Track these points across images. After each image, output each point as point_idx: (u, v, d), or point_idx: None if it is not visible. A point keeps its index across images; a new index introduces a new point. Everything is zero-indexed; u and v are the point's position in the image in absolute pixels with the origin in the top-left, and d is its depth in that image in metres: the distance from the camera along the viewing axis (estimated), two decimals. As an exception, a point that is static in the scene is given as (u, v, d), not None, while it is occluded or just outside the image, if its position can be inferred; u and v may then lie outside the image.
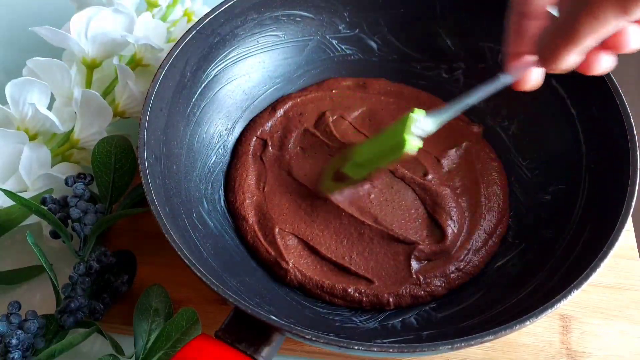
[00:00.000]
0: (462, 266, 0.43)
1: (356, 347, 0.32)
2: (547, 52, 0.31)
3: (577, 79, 0.45)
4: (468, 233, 0.45)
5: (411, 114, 0.39)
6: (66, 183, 0.45)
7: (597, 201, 0.41)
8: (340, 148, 0.49)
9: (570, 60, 0.31)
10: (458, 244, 0.44)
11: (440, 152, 0.50)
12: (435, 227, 0.45)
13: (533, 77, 0.36)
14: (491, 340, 0.33)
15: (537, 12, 0.34)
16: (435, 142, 0.50)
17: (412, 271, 0.43)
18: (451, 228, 0.45)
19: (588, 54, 0.31)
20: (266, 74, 0.52)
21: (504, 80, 0.36)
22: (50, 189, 0.46)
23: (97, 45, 0.49)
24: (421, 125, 0.38)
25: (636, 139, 0.40)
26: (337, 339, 0.32)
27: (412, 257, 0.43)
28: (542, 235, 0.44)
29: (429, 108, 0.52)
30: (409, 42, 0.53)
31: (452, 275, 0.43)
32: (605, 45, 0.31)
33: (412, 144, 0.38)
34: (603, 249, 0.35)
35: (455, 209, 0.46)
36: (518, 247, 0.44)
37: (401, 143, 0.38)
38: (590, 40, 0.29)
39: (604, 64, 0.33)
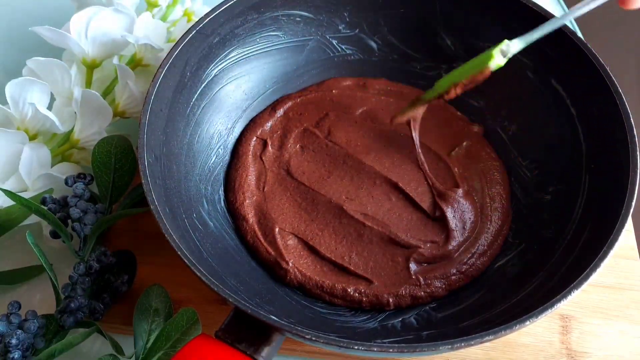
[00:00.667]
0: (464, 269, 0.43)
1: (356, 347, 0.32)
2: None
3: (577, 79, 0.45)
4: (475, 237, 0.45)
5: (505, 40, 0.41)
6: (66, 183, 0.45)
7: (597, 201, 0.41)
8: (340, 149, 0.49)
9: None
10: (462, 248, 0.44)
11: (441, 152, 0.50)
12: (439, 230, 0.45)
13: None
14: (491, 340, 0.33)
15: None
16: (435, 142, 0.50)
17: (412, 272, 0.43)
18: (456, 232, 0.45)
19: None
20: (266, 74, 0.52)
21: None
22: (50, 189, 0.46)
23: (97, 45, 0.49)
24: (509, 45, 0.40)
25: (636, 139, 0.40)
26: (337, 339, 0.32)
27: (411, 259, 0.43)
28: (542, 235, 0.44)
29: (429, 108, 0.52)
30: (409, 42, 0.53)
31: (453, 277, 0.43)
32: None
33: (497, 59, 0.40)
34: (603, 249, 0.35)
35: (460, 212, 0.46)
36: (518, 247, 0.44)
37: (487, 57, 0.40)
38: None
39: None
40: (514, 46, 0.41)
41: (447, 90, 0.44)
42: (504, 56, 0.41)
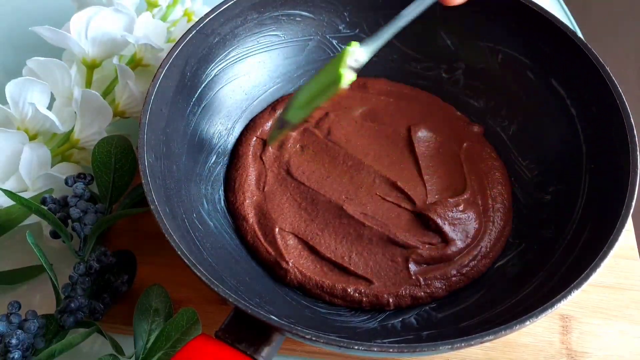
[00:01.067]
0: (465, 270, 0.43)
1: (356, 347, 0.32)
2: None
3: (577, 79, 0.45)
4: (478, 239, 0.45)
5: (347, 47, 0.38)
6: (66, 183, 0.45)
7: (597, 201, 0.41)
8: (339, 149, 0.49)
9: None
10: (464, 252, 0.44)
11: (442, 152, 0.50)
12: (437, 233, 0.45)
13: None
14: (491, 340, 0.33)
15: None
16: (435, 143, 0.50)
17: (411, 273, 0.43)
18: (456, 241, 0.44)
19: None
20: (266, 74, 0.52)
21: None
22: (50, 189, 0.46)
23: (97, 45, 0.49)
24: (356, 56, 0.38)
25: (636, 139, 0.40)
26: (337, 339, 0.32)
27: (410, 259, 0.43)
28: (542, 235, 0.44)
29: (429, 108, 0.52)
30: (409, 42, 0.53)
31: (453, 278, 0.43)
32: None
33: (347, 78, 0.38)
34: (603, 249, 0.35)
35: (459, 221, 0.45)
36: (518, 247, 0.44)
37: (337, 78, 0.38)
38: None
39: None
40: (361, 57, 0.38)
41: (309, 115, 0.44)
42: (355, 71, 0.38)
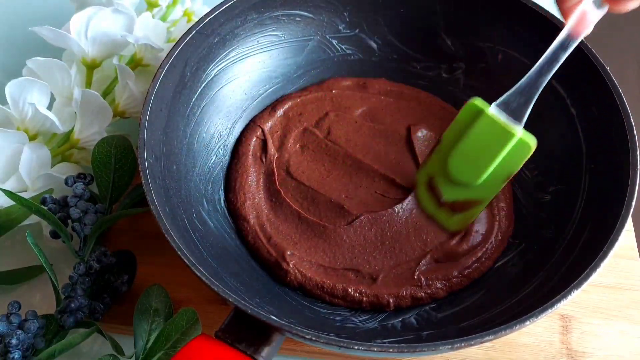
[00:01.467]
0: (466, 272, 0.43)
1: (356, 347, 0.32)
2: None
3: (577, 79, 0.45)
4: (483, 240, 0.45)
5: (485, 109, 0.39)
6: (66, 183, 0.45)
7: (597, 201, 0.41)
8: (339, 148, 0.49)
9: None
10: (467, 251, 0.44)
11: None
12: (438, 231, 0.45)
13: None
14: (491, 340, 0.33)
15: None
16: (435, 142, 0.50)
17: (413, 273, 0.43)
18: (464, 244, 0.44)
19: None
20: (266, 74, 0.52)
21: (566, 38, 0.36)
22: (50, 189, 0.46)
23: (97, 45, 0.49)
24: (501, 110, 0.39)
25: (636, 139, 0.40)
26: (337, 339, 0.32)
27: (425, 258, 0.43)
28: (542, 235, 0.44)
29: (429, 108, 0.52)
30: (409, 42, 0.53)
31: (454, 279, 0.43)
32: None
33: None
34: (603, 249, 0.35)
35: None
36: (518, 247, 0.44)
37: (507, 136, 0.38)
38: None
39: None
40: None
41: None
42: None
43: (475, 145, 0.40)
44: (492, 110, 0.39)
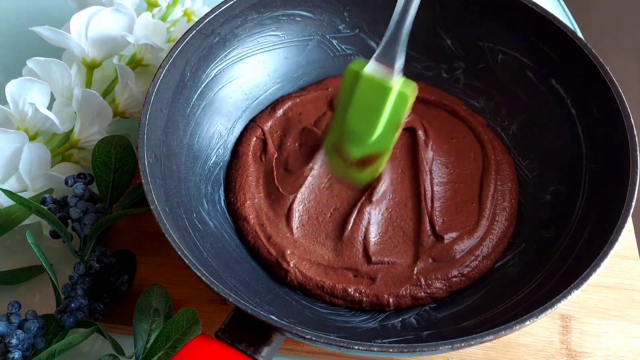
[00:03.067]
0: (466, 271, 0.43)
1: (356, 347, 0.32)
2: None
3: (577, 79, 0.45)
4: (480, 239, 0.44)
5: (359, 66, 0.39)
6: (66, 183, 0.45)
7: (597, 201, 0.41)
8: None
9: None
10: (465, 251, 0.44)
11: (450, 138, 0.50)
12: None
13: None
14: (491, 340, 0.33)
15: None
16: (442, 131, 0.50)
17: (413, 272, 0.43)
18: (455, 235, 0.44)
19: None
20: (266, 74, 0.52)
21: None
22: (50, 189, 0.46)
23: (97, 45, 0.49)
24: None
25: (636, 139, 0.40)
26: (337, 339, 0.32)
27: (419, 257, 0.43)
28: (542, 235, 0.44)
29: (427, 108, 0.52)
30: (409, 42, 0.53)
31: (454, 279, 0.43)
32: None
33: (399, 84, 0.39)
34: (603, 249, 0.35)
35: (463, 211, 0.45)
36: (518, 247, 0.44)
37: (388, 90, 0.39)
38: None
39: None
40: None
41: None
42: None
43: (362, 104, 0.42)
44: (369, 68, 0.40)
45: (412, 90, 0.41)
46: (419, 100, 0.52)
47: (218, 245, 0.43)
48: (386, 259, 0.43)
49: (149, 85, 0.42)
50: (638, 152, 0.39)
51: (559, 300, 0.33)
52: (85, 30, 0.48)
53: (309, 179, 0.47)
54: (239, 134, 0.51)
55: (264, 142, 0.50)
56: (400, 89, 0.40)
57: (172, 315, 0.41)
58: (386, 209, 0.46)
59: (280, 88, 0.53)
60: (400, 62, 0.40)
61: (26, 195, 0.45)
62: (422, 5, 0.52)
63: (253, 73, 0.51)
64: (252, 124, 0.51)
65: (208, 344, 0.32)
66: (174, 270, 0.45)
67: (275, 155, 0.49)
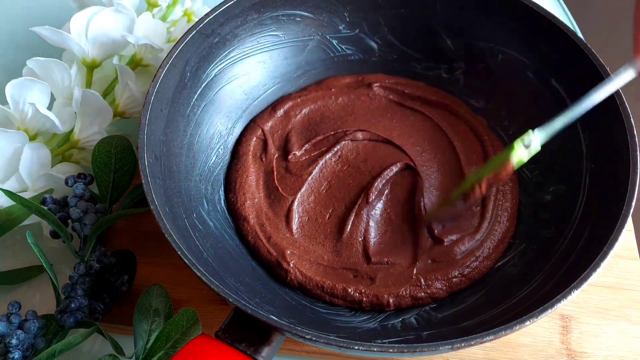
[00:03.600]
0: (466, 272, 0.43)
1: (356, 347, 0.32)
2: None
3: (577, 80, 0.45)
4: (481, 240, 0.44)
5: (529, 131, 0.38)
6: (66, 183, 0.45)
7: (597, 201, 0.41)
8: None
9: None
10: (466, 252, 0.44)
11: (450, 139, 0.50)
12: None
13: None
14: (491, 340, 0.33)
15: None
16: (442, 131, 0.50)
17: (413, 273, 0.43)
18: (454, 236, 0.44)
19: None
20: (266, 74, 0.52)
21: (625, 75, 0.34)
22: (50, 189, 0.46)
23: (97, 45, 0.49)
24: (532, 138, 0.38)
25: (636, 139, 0.40)
26: (337, 339, 0.32)
27: (418, 257, 0.43)
28: (542, 235, 0.44)
29: (426, 108, 0.52)
30: (409, 42, 0.53)
31: (454, 279, 0.43)
32: None
33: (519, 153, 0.38)
34: (603, 249, 0.35)
35: (464, 215, 0.45)
36: (518, 247, 0.44)
37: (509, 151, 0.38)
38: None
39: None
40: (535, 139, 0.38)
41: (472, 188, 0.42)
42: (527, 149, 0.38)
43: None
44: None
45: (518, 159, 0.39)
46: (419, 100, 0.52)
47: (218, 245, 0.43)
48: (386, 259, 0.43)
49: (149, 85, 0.42)
50: (638, 152, 0.39)
51: (559, 300, 0.33)
52: (85, 31, 0.48)
53: (309, 180, 0.47)
54: (239, 134, 0.51)
55: (265, 142, 0.50)
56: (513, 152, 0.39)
57: (172, 315, 0.41)
58: (385, 209, 0.46)
59: (280, 88, 0.53)
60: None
61: (26, 195, 0.45)
62: (422, 5, 0.52)
63: (253, 73, 0.51)
64: (252, 124, 0.51)
65: (208, 344, 0.32)
66: (174, 270, 0.45)
67: (276, 155, 0.49)
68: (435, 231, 0.44)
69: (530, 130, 0.38)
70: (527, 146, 0.38)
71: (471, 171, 0.46)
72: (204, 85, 0.48)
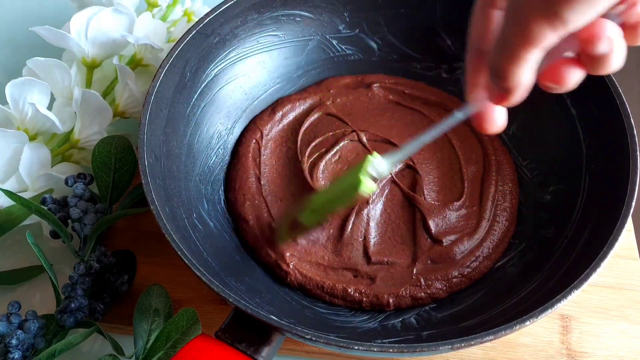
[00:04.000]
0: (466, 272, 0.43)
1: (356, 347, 0.32)
2: (494, 70, 0.29)
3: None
4: (481, 240, 0.44)
5: (369, 156, 0.37)
6: (66, 183, 0.45)
7: (597, 201, 0.41)
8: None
9: (519, 76, 0.28)
10: (465, 252, 0.44)
11: (450, 139, 0.49)
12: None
13: (496, 115, 0.33)
14: (491, 340, 0.33)
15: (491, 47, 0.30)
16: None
17: (412, 273, 0.43)
18: (452, 238, 0.44)
19: (552, 66, 0.29)
20: (266, 74, 0.52)
21: (458, 115, 0.34)
22: (50, 189, 0.46)
23: (97, 45, 0.49)
24: (377, 166, 0.37)
25: (636, 139, 0.40)
26: (337, 339, 0.32)
27: (417, 257, 0.43)
28: (542, 235, 0.44)
29: (427, 107, 0.52)
30: (409, 42, 0.53)
31: (454, 279, 0.43)
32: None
33: (367, 185, 0.37)
34: (603, 249, 0.35)
35: (465, 215, 0.45)
36: (518, 247, 0.44)
37: (356, 184, 0.37)
38: (528, 54, 0.26)
39: (572, 77, 0.30)
40: (382, 167, 0.36)
41: (324, 217, 0.42)
42: (375, 181, 0.37)
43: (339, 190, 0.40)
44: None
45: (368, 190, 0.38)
46: (419, 100, 0.52)
47: (218, 245, 0.43)
48: (386, 259, 0.43)
49: (149, 85, 0.42)
50: (638, 152, 0.39)
51: (559, 300, 0.33)
52: (85, 30, 0.48)
53: (309, 181, 0.47)
54: (239, 134, 0.51)
55: (264, 143, 0.50)
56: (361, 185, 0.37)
57: (172, 315, 0.41)
58: (385, 209, 0.46)
59: (280, 88, 0.53)
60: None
61: (26, 195, 0.45)
62: (422, 5, 0.52)
63: (253, 73, 0.51)
64: (252, 125, 0.51)
65: (208, 344, 0.32)
66: (173, 270, 0.45)
67: (276, 156, 0.49)
68: (433, 231, 0.44)
69: (370, 157, 0.36)
70: (375, 178, 0.37)
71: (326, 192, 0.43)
72: (203, 85, 0.48)
